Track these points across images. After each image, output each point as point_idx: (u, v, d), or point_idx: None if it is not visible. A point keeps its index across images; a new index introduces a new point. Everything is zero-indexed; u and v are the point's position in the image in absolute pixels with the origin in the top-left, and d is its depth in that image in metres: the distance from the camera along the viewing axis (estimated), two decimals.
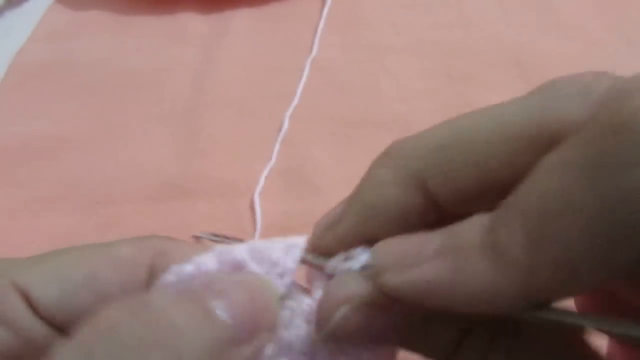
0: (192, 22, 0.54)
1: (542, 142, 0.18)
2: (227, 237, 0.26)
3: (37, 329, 0.19)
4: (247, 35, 0.52)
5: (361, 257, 0.20)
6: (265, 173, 0.39)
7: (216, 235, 0.27)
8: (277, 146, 0.42)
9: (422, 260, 0.18)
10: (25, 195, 0.39)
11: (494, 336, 0.20)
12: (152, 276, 0.21)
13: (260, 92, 0.46)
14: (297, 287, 0.21)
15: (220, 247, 0.21)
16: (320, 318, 0.20)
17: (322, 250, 0.22)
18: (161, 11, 0.55)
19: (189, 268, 0.20)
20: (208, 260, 0.21)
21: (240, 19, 0.54)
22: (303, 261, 0.22)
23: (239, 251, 0.21)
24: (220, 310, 0.17)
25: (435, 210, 0.20)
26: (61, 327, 0.20)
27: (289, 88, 0.46)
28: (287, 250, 0.21)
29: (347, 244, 0.21)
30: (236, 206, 0.38)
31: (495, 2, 0.54)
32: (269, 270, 0.21)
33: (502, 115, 0.19)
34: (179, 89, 0.47)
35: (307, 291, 0.21)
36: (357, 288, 0.19)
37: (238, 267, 0.21)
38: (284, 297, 0.21)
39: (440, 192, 0.20)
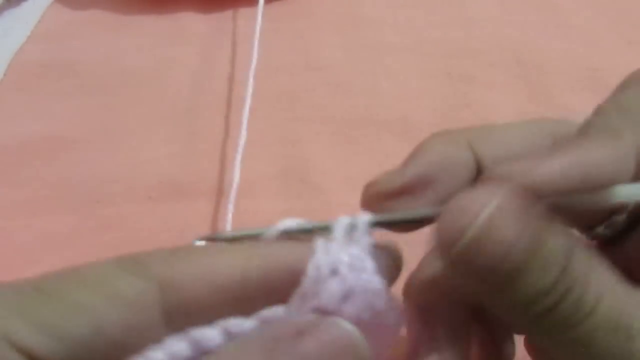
0: (192, 22, 0.54)
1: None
2: (240, 236, 0.23)
3: None
4: (247, 35, 0.52)
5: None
6: (236, 170, 0.38)
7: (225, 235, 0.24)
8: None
9: (550, 156, 0.19)
10: (25, 195, 0.39)
11: None
12: (169, 316, 0.18)
13: (261, 92, 0.46)
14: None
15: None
16: (454, 229, 0.17)
17: (380, 196, 0.21)
18: (161, 11, 0.55)
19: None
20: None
21: (240, 19, 0.53)
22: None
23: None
24: None
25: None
26: None
27: (289, 88, 0.46)
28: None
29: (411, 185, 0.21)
30: (236, 206, 0.38)
31: (496, 1, 0.54)
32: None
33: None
34: (179, 89, 0.47)
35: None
36: (499, 189, 0.18)
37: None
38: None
39: (487, 155, 0.22)
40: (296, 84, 0.47)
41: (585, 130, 0.21)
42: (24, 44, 0.52)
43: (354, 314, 0.19)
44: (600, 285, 0.18)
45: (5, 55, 0.50)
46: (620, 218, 0.23)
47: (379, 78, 0.47)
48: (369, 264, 0.20)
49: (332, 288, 0.19)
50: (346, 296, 0.19)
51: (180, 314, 0.18)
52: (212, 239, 0.22)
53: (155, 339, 0.18)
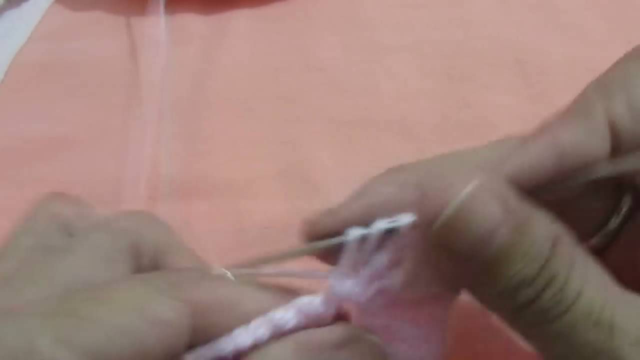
0: (192, 22, 0.54)
1: None
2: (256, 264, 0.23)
3: None
4: (247, 35, 0.52)
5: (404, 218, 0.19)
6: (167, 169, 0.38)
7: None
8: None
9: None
10: (25, 195, 0.39)
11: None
12: (195, 337, 0.19)
13: (260, 92, 0.46)
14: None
15: (300, 301, 0.20)
16: (434, 205, 0.18)
17: (319, 234, 0.21)
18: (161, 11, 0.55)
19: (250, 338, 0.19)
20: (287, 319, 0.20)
21: (240, 19, 0.53)
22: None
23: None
24: None
25: None
26: None
27: (289, 88, 0.46)
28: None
29: (348, 224, 0.21)
30: (236, 206, 0.38)
31: (496, 2, 0.54)
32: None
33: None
34: (179, 89, 0.47)
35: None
36: (479, 174, 0.18)
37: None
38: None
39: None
40: (296, 84, 0.47)
41: (560, 115, 0.21)
42: (25, 44, 0.52)
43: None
44: (583, 279, 0.18)
45: (5, 56, 0.50)
46: (613, 225, 0.23)
47: (379, 78, 0.47)
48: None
49: (380, 259, 0.20)
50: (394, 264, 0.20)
51: (204, 336, 0.19)
52: (234, 270, 0.22)
53: (177, 356, 0.19)
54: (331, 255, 0.21)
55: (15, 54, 0.51)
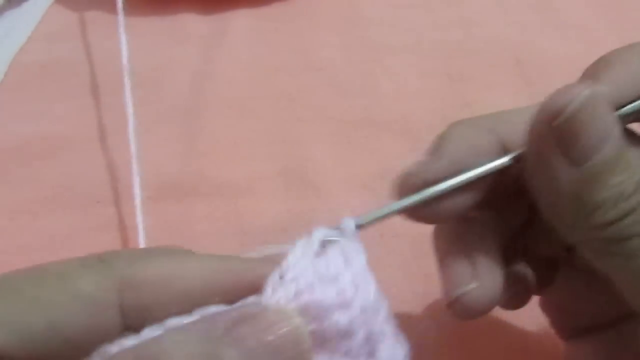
0: (192, 22, 0.54)
1: None
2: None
3: None
4: (247, 35, 0.52)
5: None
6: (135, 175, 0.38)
7: None
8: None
9: None
10: (25, 195, 0.39)
11: None
12: (126, 316, 0.18)
13: (260, 92, 0.46)
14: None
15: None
16: (559, 102, 0.19)
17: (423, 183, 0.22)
18: (161, 11, 0.55)
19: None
20: None
21: (240, 19, 0.53)
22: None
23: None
24: None
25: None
26: None
27: (289, 88, 0.46)
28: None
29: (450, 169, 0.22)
30: (236, 206, 0.38)
31: (495, 2, 0.54)
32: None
33: None
34: (179, 89, 0.47)
35: None
36: (597, 86, 0.19)
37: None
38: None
39: (508, 137, 0.23)
40: (296, 84, 0.47)
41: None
42: (25, 44, 0.52)
43: (343, 329, 0.19)
44: None
45: (6, 56, 0.50)
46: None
47: (379, 78, 0.47)
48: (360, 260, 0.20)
49: (327, 294, 0.19)
50: (341, 306, 0.19)
51: (138, 315, 0.18)
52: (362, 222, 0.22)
53: (111, 338, 0.18)
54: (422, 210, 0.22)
55: (15, 54, 0.51)
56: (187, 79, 0.48)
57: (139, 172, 0.39)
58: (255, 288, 0.19)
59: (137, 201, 0.36)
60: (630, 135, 0.21)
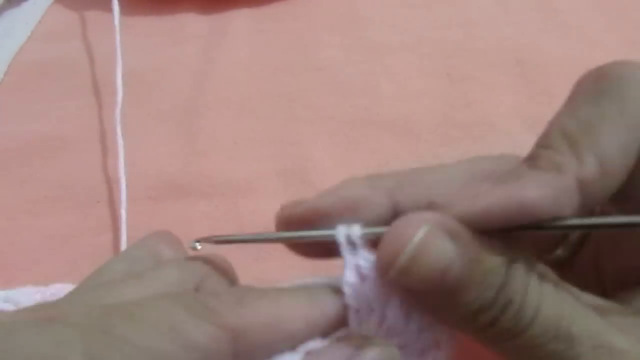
0: (192, 22, 0.54)
1: None
2: (236, 240, 0.24)
3: None
4: (247, 35, 0.52)
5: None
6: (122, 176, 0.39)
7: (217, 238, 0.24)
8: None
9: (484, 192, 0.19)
10: (25, 195, 0.39)
11: None
12: None
13: (260, 92, 0.46)
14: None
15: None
16: (390, 252, 0.19)
17: (289, 221, 0.22)
18: (161, 11, 0.55)
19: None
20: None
21: (240, 19, 0.53)
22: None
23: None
24: None
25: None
26: None
27: (289, 88, 0.46)
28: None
29: (317, 214, 0.22)
30: (236, 206, 0.38)
31: (496, 1, 0.54)
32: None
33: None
34: (179, 89, 0.47)
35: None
36: (433, 215, 0.19)
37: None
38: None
39: (406, 201, 0.22)
40: (296, 84, 0.47)
41: (530, 163, 0.20)
42: (25, 44, 0.52)
43: (415, 331, 0.20)
44: (539, 298, 0.19)
45: (5, 56, 0.50)
46: (573, 239, 0.25)
47: (379, 78, 0.47)
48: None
49: (394, 309, 0.20)
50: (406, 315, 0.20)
51: (248, 358, 0.19)
52: (209, 240, 0.23)
53: None
54: (301, 247, 0.23)
55: (15, 53, 0.51)
56: (187, 79, 0.48)
57: (137, 173, 0.39)
58: (339, 317, 0.20)
59: (123, 200, 0.37)
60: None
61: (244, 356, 0.18)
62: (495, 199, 0.19)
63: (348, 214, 0.22)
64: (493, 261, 0.19)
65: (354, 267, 0.20)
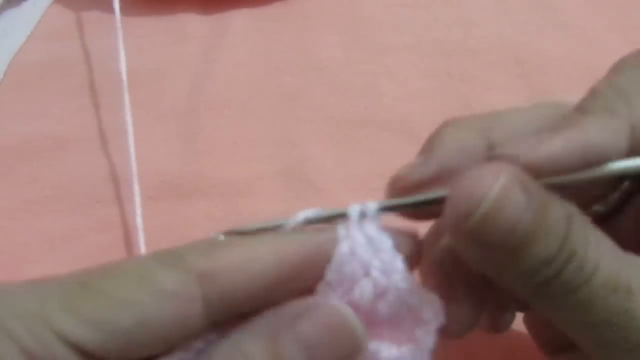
0: (192, 22, 0.53)
1: None
2: (262, 228, 0.23)
3: None
4: (247, 35, 0.52)
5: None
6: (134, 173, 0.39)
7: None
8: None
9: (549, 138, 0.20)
10: (25, 195, 0.39)
11: None
12: (209, 307, 0.19)
13: (260, 92, 0.46)
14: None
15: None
16: (466, 205, 0.18)
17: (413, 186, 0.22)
18: (161, 11, 0.55)
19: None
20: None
21: (240, 19, 0.53)
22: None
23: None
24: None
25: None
26: None
27: (289, 88, 0.46)
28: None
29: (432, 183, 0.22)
30: (236, 206, 0.38)
31: (496, 1, 0.54)
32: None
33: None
34: (179, 89, 0.47)
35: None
36: (507, 167, 0.19)
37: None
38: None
39: (499, 140, 0.22)
40: (296, 84, 0.47)
41: (583, 111, 0.21)
42: (24, 44, 0.52)
43: (387, 312, 0.20)
44: (598, 250, 0.19)
45: (5, 56, 0.50)
46: (614, 196, 0.25)
47: (379, 78, 0.47)
48: (387, 244, 0.21)
49: (364, 288, 0.20)
50: (379, 295, 0.20)
51: (220, 304, 0.19)
52: (234, 232, 0.23)
53: (197, 330, 0.19)
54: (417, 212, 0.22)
55: (15, 53, 0.51)
56: (187, 79, 0.48)
57: (137, 172, 0.39)
58: (323, 257, 0.20)
59: (137, 199, 0.36)
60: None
61: (216, 301, 0.19)
62: (556, 145, 0.19)
63: (461, 163, 0.22)
64: (557, 213, 0.19)
65: (352, 241, 0.20)
